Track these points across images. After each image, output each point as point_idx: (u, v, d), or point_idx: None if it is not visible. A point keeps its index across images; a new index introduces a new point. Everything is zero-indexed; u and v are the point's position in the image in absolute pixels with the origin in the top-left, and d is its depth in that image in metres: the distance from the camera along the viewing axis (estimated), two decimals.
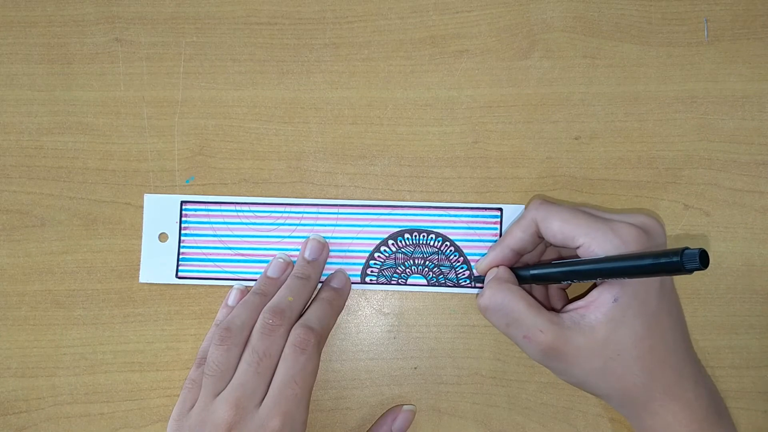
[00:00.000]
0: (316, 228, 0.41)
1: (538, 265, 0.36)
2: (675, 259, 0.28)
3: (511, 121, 0.41)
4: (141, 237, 0.41)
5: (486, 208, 0.41)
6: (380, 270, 0.41)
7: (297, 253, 0.41)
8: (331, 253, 0.41)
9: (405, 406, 0.40)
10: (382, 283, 0.41)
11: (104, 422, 0.41)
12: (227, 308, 0.40)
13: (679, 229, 0.41)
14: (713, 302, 0.40)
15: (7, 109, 0.42)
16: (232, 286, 0.41)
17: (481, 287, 0.40)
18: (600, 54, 0.42)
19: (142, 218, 0.41)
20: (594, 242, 0.33)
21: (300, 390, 0.34)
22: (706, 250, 0.28)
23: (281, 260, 0.40)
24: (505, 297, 0.35)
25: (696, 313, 0.40)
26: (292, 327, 0.36)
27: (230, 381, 0.35)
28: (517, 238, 0.36)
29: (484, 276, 0.38)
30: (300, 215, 0.41)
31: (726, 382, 0.40)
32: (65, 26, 0.42)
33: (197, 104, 0.42)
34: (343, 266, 0.41)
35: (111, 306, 0.41)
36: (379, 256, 0.41)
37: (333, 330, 0.41)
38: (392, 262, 0.41)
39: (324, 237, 0.41)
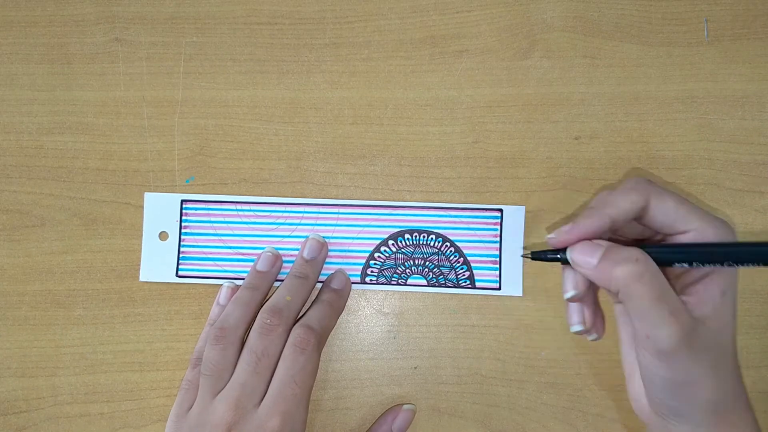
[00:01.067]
0: (316, 228, 0.41)
1: (646, 244, 0.32)
2: None
3: (511, 121, 0.42)
4: (141, 237, 0.41)
5: (486, 209, 0.41)
6: (380, 270, 0.41)
7: (297, 252, 0.41)
8: (331, 253, 0.41)
9: (405, 406, 0.40)
10: (382, 283, 0.41)
11: (104, 422, 0.41)
12: (219, 307, 0.40)
13: None
14: None
15: (7, 109, 0.42)
16: (221, 284, 0.41)
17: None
18: (600, 54, 0.42)
19: (142, 218, 0.41)
20: (710, 227, 0.31)
21: (299, 390, 0.34)
22: None
23: (270, 254, 0.40)
24: (653, 265, 0.30)
25: None
26: (290, 327, 0.36)
27: (228, 380, 0.35)
28: (622, 209, 0.32)
29: (558, 249, 0.33)
30: (300, 215, 0.41)
31: None
32: (65, 26, 0.42)
33: (197, 104, 0.42)
34: (343, 266, 0.41)
35: (111, 306, 0.41)
36: (379, 257, 0.41)
37: (333, 330, 0.41)
38: (392, 262, 0.41)
39: (324, 237, 0.41)
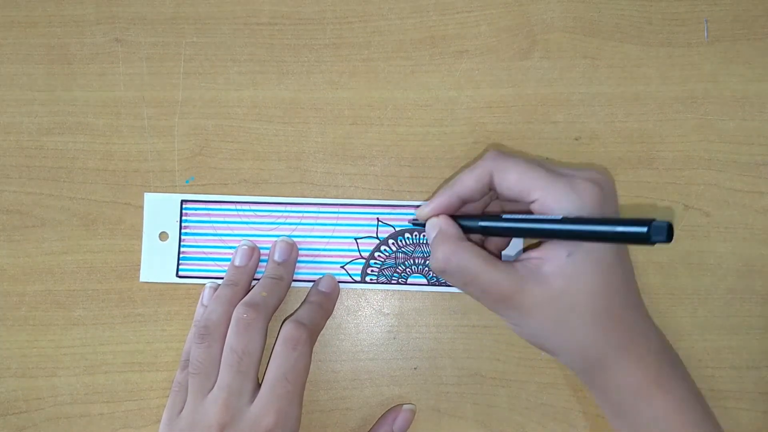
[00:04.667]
0: (316, 227, 0.41)
1: (488, 217, 0.35)
2: (643, 229, 0.27)
3: (511, 121, 0.42)
4: (141, 237, 0.41)
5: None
6: (380, 270, 0.41)
7: (300, 253, 0.41)
8: (332, 253, 0.41)
9: (405, 406, 0.40)
10: (383, 283, 0.41)
11: (104, 422, 0.41)
12: (203, 307, 0.40)
13: (679, 230, 0.41)
14: (713, 302, 0.40)
15: (7, 109, 0.42)
16: (204, 285, 0.41)
17: (422, 229, 0.39)
18: (600, 54, 0.42)
19: (142, 218, 0.41)
20: (550, 197, 0.31)
21: (292, 387, 0.34)
22: (672, 224, 0.27)
23: (246, 247, 0.40)
24: (460, 258, 0.33)
25: (696, 313, 0.40)
26: (268, 321, 0.36)
27: (216, 380, 0.35)
28: (469, 187, 0.34)
29: (424, 222, 0.37)
30: (300, 215, 0.41)
31: (726, 382, 0.40)
32: (65, 26, 0.42)
33: (197, 104, 0.42)
34: (343, 266, 0.41)
35: (111, 306, 0.41)
36: (379, 256, 0.41)
37: (333, 330, 0.41)
38: (393, 261, 0.41)
39: (324, 237, 0.41)
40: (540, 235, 0.32)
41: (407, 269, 0.41)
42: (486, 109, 0.42)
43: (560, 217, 0.31)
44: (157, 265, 0.41)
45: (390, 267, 0.41)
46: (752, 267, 0.40)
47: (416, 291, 0.41)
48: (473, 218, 0.35)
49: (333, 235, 0.41)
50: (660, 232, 0.26)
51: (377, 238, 0.41)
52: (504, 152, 0.34)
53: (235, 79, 0.42)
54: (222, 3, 0.42)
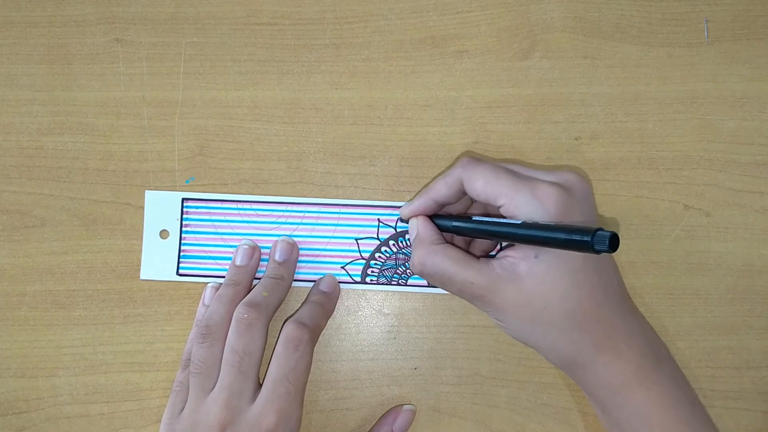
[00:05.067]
0: (317, 227, 0.41)
1: (461, 217, 0.36)
2: (586, 238, 0.27)
3: (511, 121, 0.42)
4: (141, 237, 0.41)
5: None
6: (381, 270, 0.41)
7: (301, 253, 0.41)
8: (332, 253, 0.41)
9: (405, 406, 0.40)
10: (383, 284, 0.41)
11: (104, 422, 0.41)
12: (205, 307, 0.40)
13: (679, 230, 0.41)
14: (713, 302, 0.40)
15: (7, 109, 0.42)
16: (206, 284, 0.41)
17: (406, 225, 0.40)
18: (600, 54, 0.42)
19: (142, 219, 0.41)
20: (513, 203, 0.33)
21: (293, 387, 0.35)
22: (618, 234, 0.27)
23: (247, 246, 0.40)
24: (434, 261, 0.35)
25: (696, 313, 0.40)
26: (269, 321, 0.37)
27: (217, 380, 0.35)
28: (441, 192, 0.36)
29: (407, 220, 0.38)
30: (301, 214, 0.41)
31: (726, 383, 0.40)
32: (65, 26, 0.42)
33: (197, 104, 0.42)
34: (344, 266, 0.41)
35: (111, 306, 0.41)
36: (380, 257, 0.41)
37: (333, 330, 0.41)
38: (393, 262, 0.41)
39: (325, 237, 0.41)
40: (502, 237, 0.33)
41: (407, 270, 0.41)
42: (486, 109, 0.42)
43: (520, 221, 0.32)
44: (157, 263, 0.41)
45: (390, 268, 0.41)
46: (752, 267, 0.41)
47: (416, 292, 0.41)
48: (449, 218, 0.37)
49: (334, 236, 0.41)
50: (602, 241, 0.27)
51: (378, 239, 0.41)
52: (475, 159, 0.35)
53: (235, 79, 0.42)
54: (222, 3, 0.42)
